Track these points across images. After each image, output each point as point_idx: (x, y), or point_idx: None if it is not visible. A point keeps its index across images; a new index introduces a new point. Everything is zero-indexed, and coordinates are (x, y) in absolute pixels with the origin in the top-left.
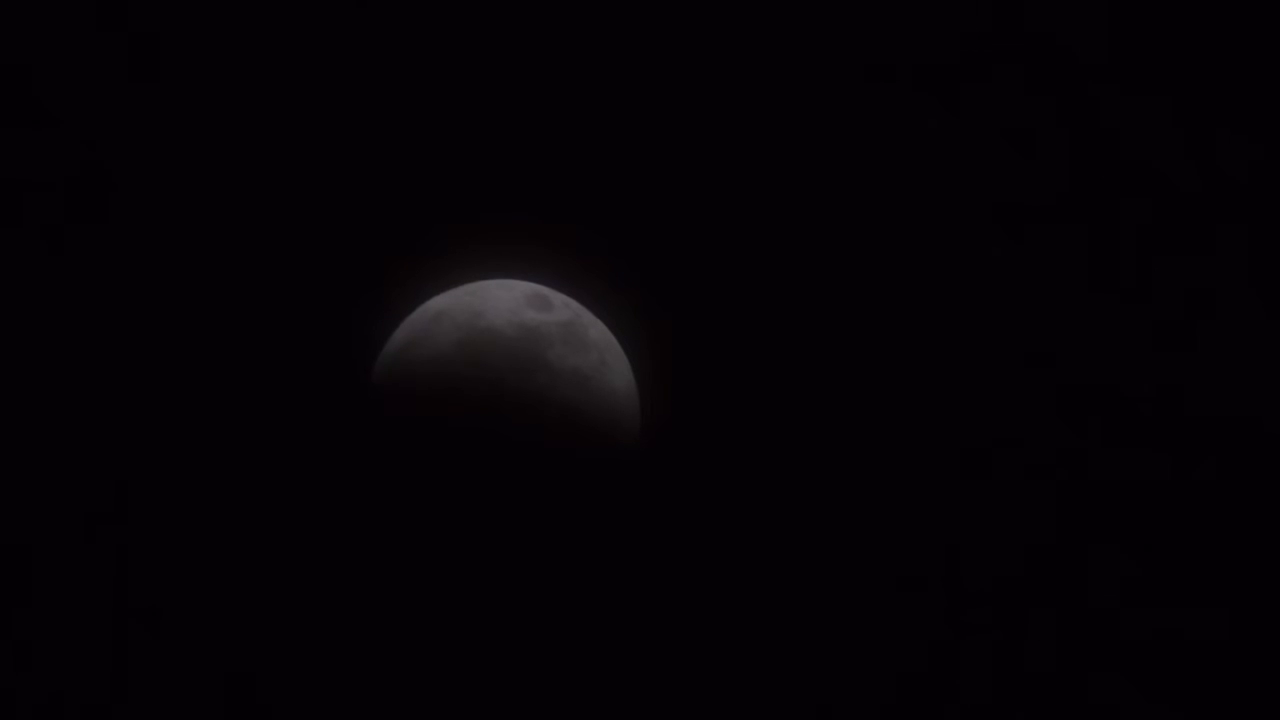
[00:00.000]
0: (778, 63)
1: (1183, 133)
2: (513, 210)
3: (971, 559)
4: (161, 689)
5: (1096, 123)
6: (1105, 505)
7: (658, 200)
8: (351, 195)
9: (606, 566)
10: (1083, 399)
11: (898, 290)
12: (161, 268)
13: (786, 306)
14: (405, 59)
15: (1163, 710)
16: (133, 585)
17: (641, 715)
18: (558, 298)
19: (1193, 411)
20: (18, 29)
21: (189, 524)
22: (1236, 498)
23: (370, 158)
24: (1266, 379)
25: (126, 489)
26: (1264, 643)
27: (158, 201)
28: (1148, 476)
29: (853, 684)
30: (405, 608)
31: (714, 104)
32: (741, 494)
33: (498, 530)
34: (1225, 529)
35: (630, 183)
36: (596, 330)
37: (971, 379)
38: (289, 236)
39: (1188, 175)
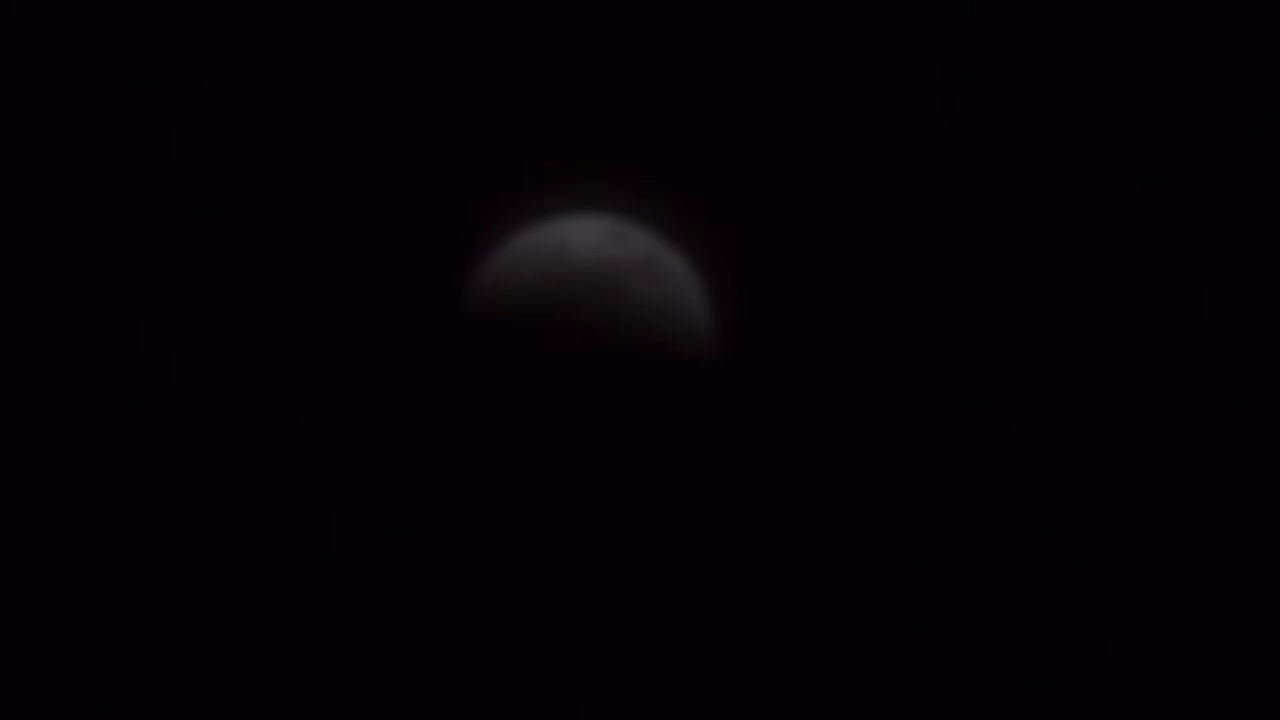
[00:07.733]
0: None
1: None
2: (596, 147)
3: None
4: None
5: None
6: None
7: (738, 136)
8: (437, 134)
9: (686, 480)
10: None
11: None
12: (240, 210)
13: (864, 242)
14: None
15: None
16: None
17: (722, 635)
18: (637, 232)
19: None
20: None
21: (279, 458)
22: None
23: (454, 99)
24: None
25: (218, 422)
26: None
27: (242, 140)
28: None
29: (936, 610)
30: (482, 526)
31: (788, 50)
32: (815, 415)
33: (578, 453)
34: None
35: (714, 120)
36: (673, 263)
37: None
38: (375, 177)
39: None
